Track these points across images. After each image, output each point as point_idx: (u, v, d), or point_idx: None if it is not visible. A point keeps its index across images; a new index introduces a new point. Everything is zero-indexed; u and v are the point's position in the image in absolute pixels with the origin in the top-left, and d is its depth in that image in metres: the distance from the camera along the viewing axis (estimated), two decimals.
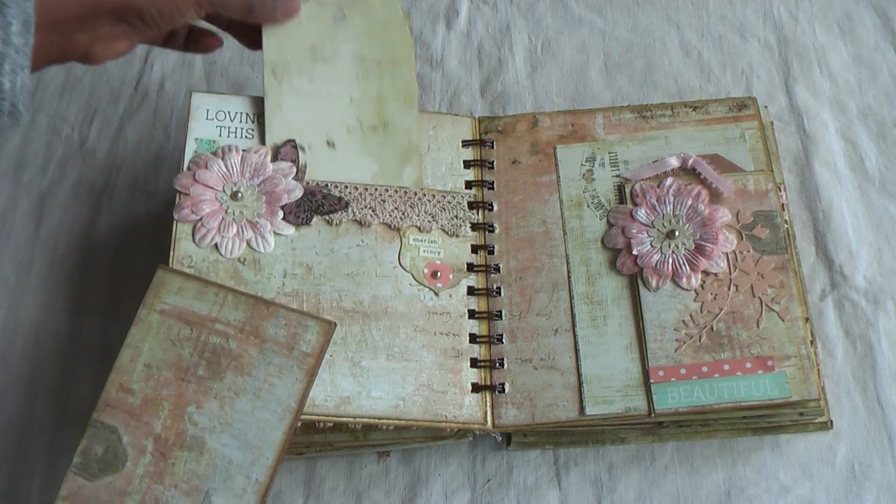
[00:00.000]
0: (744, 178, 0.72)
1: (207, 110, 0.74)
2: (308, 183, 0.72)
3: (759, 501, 0.70)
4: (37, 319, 0.78)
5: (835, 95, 0.86)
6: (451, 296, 0.71)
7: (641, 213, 0.72)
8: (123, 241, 0.82)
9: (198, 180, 0.71)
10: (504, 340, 0.71)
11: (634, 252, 0.71)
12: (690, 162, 0.73)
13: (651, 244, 0.71)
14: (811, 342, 0.68)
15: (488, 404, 0.69)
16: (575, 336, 0.70)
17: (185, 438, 0.62)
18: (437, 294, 0.71)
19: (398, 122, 0.75)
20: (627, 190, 0.73)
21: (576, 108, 0.82)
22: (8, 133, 0.62)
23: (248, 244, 0.70)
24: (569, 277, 0.72)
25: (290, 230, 0.71)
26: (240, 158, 0.72)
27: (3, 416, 0.75)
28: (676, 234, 0.71)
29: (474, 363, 0.70)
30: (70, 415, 0.75)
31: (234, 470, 0.61)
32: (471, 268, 0.73)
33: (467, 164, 0.76)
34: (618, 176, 0.74)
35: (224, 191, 0.71)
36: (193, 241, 0.70)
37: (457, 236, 0.73)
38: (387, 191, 0.73)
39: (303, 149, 0.73)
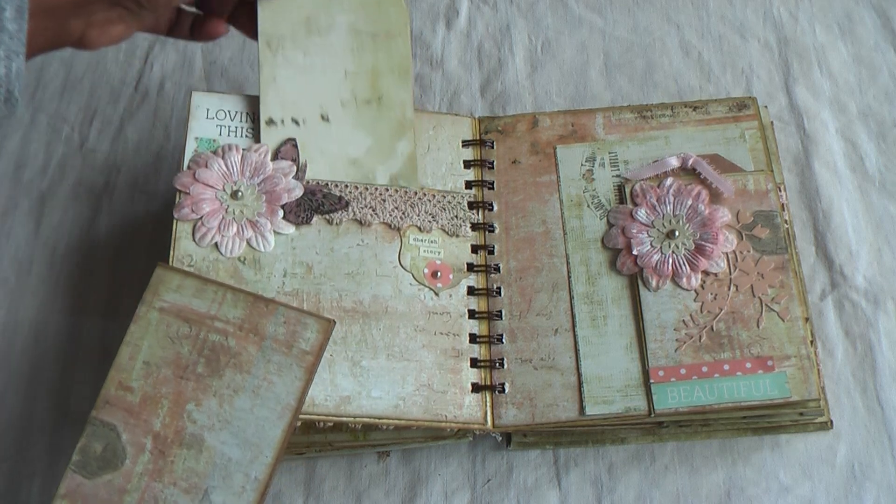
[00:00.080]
0: (744, 178, 0.72)
1: (207, 109, 0.74)
2: (308, 182, 0.72)
3: (759, 501, 0.70)
4: (37, 319, 0.78)
5: (835, 95, 0.86)
6: (451, 296, 0.71)
7: (641, 213, 0.72)
8: (123, 241, 0.82)
9: (198, 179, 0.71)
10: (504, 340, 0.71)
11: (634, 252, 0.71)
12: (690, 162, 0.73)
13: (651, 244, 0.71)
14: (811, 342, 0.68)
15: (488, 404, 0.69)
16: (575, 336, 0.70)
17: (184, 436, 0.62)
18: (437, 294, 0.71)
19: (393, 96, 0.75)
20: (627, 190, 0.73)
21: (576, 108, 0.82)
22: (5, 121, 0.62)
23: (249, 243, 0.70)
24: (569, 277, 0.72)
25: (290, 229, 0.71)
26: (240, 157, 0.72)
27: (3, 416, 0.75)
28: (676, 234, 0.71)
29: (474, 363, 0.70)
30: (70, 415, 0.75)
31: (233, 468, 0.61)
32: (471, 268, 0.73)
33: (467, 164, 0.76)
34: (618, 176, 0.74)
35: (224, 190, 0.71)
36: (193, 240, 0.70)
37: (457, 236, 0.73)
38: (387, 190, 0.73)
39: (297, 122, 0.73)
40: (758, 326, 0.68)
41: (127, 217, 0.83)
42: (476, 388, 0.69)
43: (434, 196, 0.74)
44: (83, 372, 0.76)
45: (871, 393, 0.73)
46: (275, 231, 0.71)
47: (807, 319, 0.68)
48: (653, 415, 0.66)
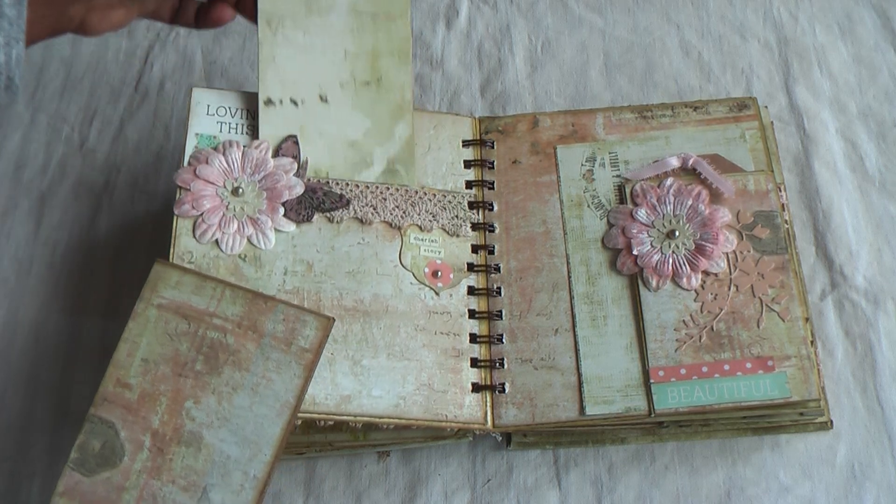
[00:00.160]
0: (744, 179, 0.72)
1: (208, 105, 0.74)
2: (309, 180, 0.72)
3: (759, 501, 0.70)
4: (37, 319, 0.78)
5: (835, 95, 0.86)
6: (451, 295, 0.71)
7: (642, 213, 0.72)
8: (123, 241, 0.82)
9: (198, 176, 0.71)
10: (504, 340, 0.71)
11: (635, 252, 0.71)
12: (691, 162, 0.73)
13: (651, 244, 0.71)
14: (811, 342, 0.68)
15: (488, 404, 0.69)
16: (575, 336, 0.70)
17: (183, 434, 0.62)
18: (437, 293, 0.71)
19: (392, 78, 0.74)
20: (628, 190, 0.73)
21: (576, 108, 0.82)
22: (6, 110, 0.62)
23: (249, 240, 0.70)
24: (569, 277, 0.72)
25: (290, 227, 0.71)
26: (240, 154, 0.72)
27: (3, 416, 0.75)
28: (677, 234, 0.71)
29: (474, 363, 0.70)
30: (70, 415, 0.75)
31: (231, 466, 0.61)
32: (471, 267, 0.73)
33: (468, 164, 0.76)
34: (618, 176, 0.74)
35: (225, 186, 0.71)
36: (194, 236, 0.70)
37: (457, 236, 0.73)
38: (388, 189, 0.73)
39: (295, 103, 0.73)
40: (758, 326, 0.68)
41: (127, 217, 0.83)
42: (476, 387, 0.69)
43: (435, 195, 0.74)
44: (83, 372, 0.76)
45: (871, 393, 0.73)
46: (275, 229, 0.71)
47: (807, 319, 0.68)
48: (653, 415, 0.66)
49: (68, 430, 0.74)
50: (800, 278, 0.71)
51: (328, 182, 0.72)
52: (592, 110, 0.78)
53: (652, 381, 0.67)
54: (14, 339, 0.78)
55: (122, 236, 0.82)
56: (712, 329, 0.68)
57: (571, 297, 0.71)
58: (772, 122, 0.80)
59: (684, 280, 0.70)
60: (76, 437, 0.73)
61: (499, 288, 0.72)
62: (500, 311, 0.72)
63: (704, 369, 0.67)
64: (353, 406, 0.66)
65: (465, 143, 0.77)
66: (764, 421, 0.70)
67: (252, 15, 0.74)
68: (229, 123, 0.73)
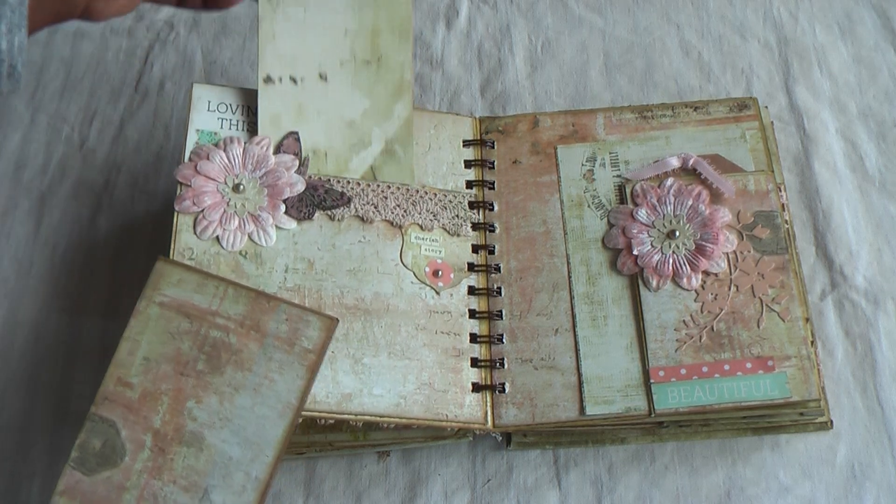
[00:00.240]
0: (744, 179, 0.72)
1: (209, 102, 0.74)
2: (310, 177, 0.72)
3: (759, 501, 0.70)
4: (37, 319, 0.78)
5: (835, 95, 0.86)
6: (451, 295, 0.71)
7: (642, 214, 0.72)
8: (123, 241, 0.82)
9: (199, 172, 0.71)
10: (504, 340, 0.71)
11: (635, 252, 0.71)
12: (691, 162, 0.73)
13: (651, 244, 0.71)
14: (811, 342, 0.68)
15: (489, 404, 0.69)
16: (575, 336, 0.70)
17: (185, 434, 0.61)
18: (438, 293, 0.71)
19: (392, 57, 0.74)
20: (628, 190, 0.73)
21: (576, 108, 0.82)
22: (8, 97, 0.61)
23: (250, 237, 0.70)
24: (569, 277, 0.72)
25: (292, 224, 0.71)
26: (241, 150, 0.72)
27: (3, 416, 0.75)
28: (677, 234, 0.71)
29: (475, 363, 0.70)
30: (70, 415, 0.75)
31: (233, 466, 0.61)
32: (471, 267, 0.73)
33: (468, 164, 0.76)
34: (618, 176, 0.74)
35: (226, 183, 0.71)
36: (195, 233, 0.70)
37: (458, 235, 0.73)
38: (388, 188, 0.73)
39: (294, 81, 0.72)
40: (758, 326, 0.68)
41: (127, 217, 0.83)
42: (476, 387, 0.69)
43: (435, 195, 0.74)
44: (83, 372, 0.76)
45: (871, 393, 0.73)
46: (276, 226, 0.71)
47: (807, 320, 0.68)
48: (653, 415, 0.66)
49: (68, 430, 0.74)
50: (800, 278, 0.71)
51: (329, 180, 0.72)
52: (593, 110, 0.78)
53: (652, 381, 0.67)
54: (14, 339, 0.78)
55: (122, 236, 0.82)
56: (712, 329, 0.68)
57: (572, 297, 0.71)
58: (772, 122, 0.80)
59: (684, 280, 0.70)
60: (76, 436, 0.73)
61: (499, 288, 0.72)
62: (501, 311, 0.72)
63: (705, 369, 0.67)
64: (354, 405, 0.66)
65: (466, 143, 0.77)
66: (764, 421, 0.70)
67: None
68: (230, 120, 0.73)
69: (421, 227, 0.73)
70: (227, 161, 0.71)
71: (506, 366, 0.70)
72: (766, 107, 0.80)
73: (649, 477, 0.71)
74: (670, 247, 0.71)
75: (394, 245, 0.72)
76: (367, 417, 0.66)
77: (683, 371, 0.67)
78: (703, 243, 0.70)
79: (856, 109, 0.85)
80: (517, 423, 0.68)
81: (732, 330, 0.68)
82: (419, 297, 0.70)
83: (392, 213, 0.72)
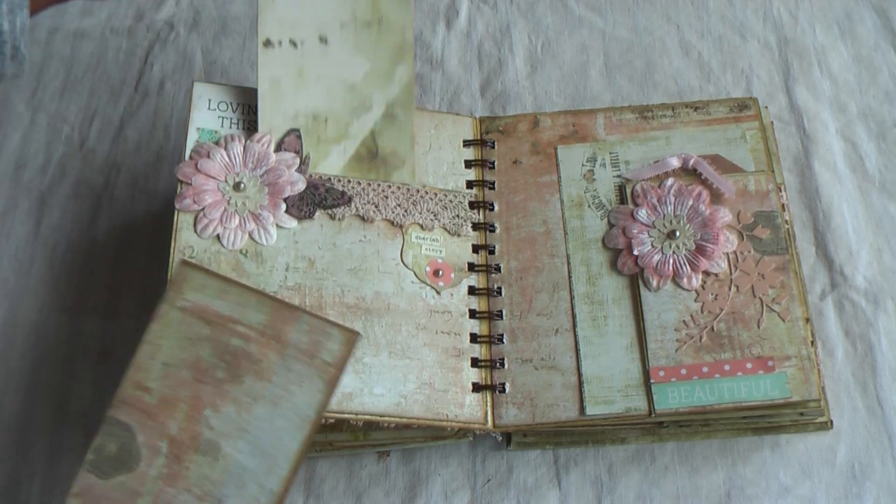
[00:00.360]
0: (745, 179, 0.72)
1: (209, 100, 0.74)
2: (311, 176, 0.72)
3: (759, 501, 0.70)
4: (37, 319, 0.78)
5: (835, 95, 0.86)
6: (452, 295, 0.71)
7: (642, 214, 0.72)
8: (123, 241, 0.82)
9: (200, 170, 0.71)
10: (505, 340, 0.71)
11: (635, 252, 0.71)
12: (691, 162, 0.73)
13: (652, 244, 0.71)
14: (811, 342, 0.68)
15: (489, 404, 0.69)
16: (575, 336, 0.70)
17: (201, 442, 0.60)
18: (438, 293, 0.71)
19: (393, 18, 0.73)
20: (628, 190, 0.73)
21: (576, 108, 0.82)
22: (15, 80, 0.60)
23: (251, 236, 0.70)
24: (569, 277, 0.72)
25: (292, 223, 0.71)
26: (242, 148, 0.72)
27: (3, 416, 0.75)
28: (677, 234, 0.71)
29: (475, 363, 0.70)
30: (70, 415, 0.75)
31: (247, 478, 0.60)
32: (472, 267, 0.73)
33: (468, 164, 0.76)
34: (619, 176, 0.74)
35: (227, 181, 0.71)
36: (195, 231, 0.70)
37: (458, 235, 0.73)
38: (389, 187, 0.73)
39: (294, 44, 0.72)
40: (758, 327, 0.68)
41: (127, 217, 0.83)
42: (477, 387, 0.69)
43: (436, 194, 0.74)
44: (83, 372, 0.76)
45: (871, 393, 0.73)
46: (277, 224, 0.70)
47: (807, 320, 0.68)
48: (653, 415, 0.66)
49: (68, 431, 0.74)
50: (800, 278, 0.71)
51: (330, 178, 0.72)
52: (593, 110, 0.78)
53: (652, 381, 0.67)
54: (14, 339, 0.78)
55: (122, 236, 0.82)
56: (713, 329, 0.68)
57: (572, 297, 0.71)
58: (772, 123, 0.80)
59: (685, 280, 0.70)
60: (76, 437, 0.74)
61: (499, 288, 0.72)
62: (501, 311, 0.72)
63: (705, 369, 0.67)
64: (355, 404, 0.66)
65: (466, 143, 0.77)
66: (764, 421, 0.70)
67: None
68: (231, 118, 0.73)
69: (421, 226, 0.73)
70: (227, 159, 0.71)
71: (506, 366, 0.70)
72: (767, 107, 0.80)
73: (649, 477, 0.71)
74: (670, 247, 0.71)
75: (394, 244, 0.72)
76: (367, 417, 0.66)
77: (684, 371, 0.67)
78: (704, 243, 0.70)
79: (856, 109, 0.85)
80: (517, 423, 0.68)
81: (733, 330, 0.68)
82: (420, 296, 0.70)
83: (393, 212, 0.72)
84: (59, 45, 0.91)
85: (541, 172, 0.76)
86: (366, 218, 0.72)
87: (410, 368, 0.68)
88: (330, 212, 0.71)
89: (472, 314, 0.71)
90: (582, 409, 0.68)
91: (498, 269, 0.73)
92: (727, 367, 0.67)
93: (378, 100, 0.73)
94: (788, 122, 0.85)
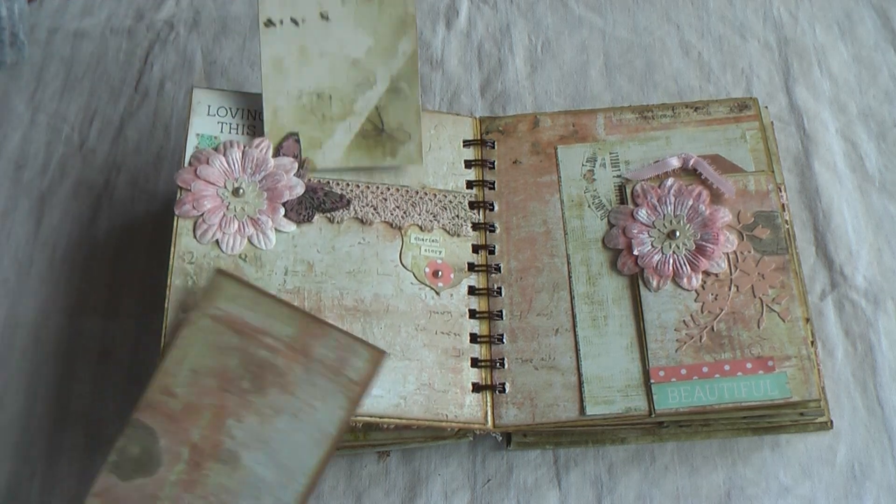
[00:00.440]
0: (745, 179, 0.72)
1: (209, 106, 0.74)
2: (310, 180, 0.72)
3: (759, 501, 0.70)
4: (37, 319, 0.78)
5: (835, 95, 0.86)
6: (451, 295, 0.71)
7: (642, 214, 0.72)
8: (123, 241, 0.82)
9: (199, 176, 0.71)
10: (505, 340, 0.71)
11: (635, 252, 0.71)
12: (691, 162, 0.73)
13: (652, 244, 0.71)
14: (811, 342, 0.68)
15: (489, 404, 0.69)
16: (575, 336, 0.70)
17: (221, 451, 0.60)
18: (438, 293, 0.71)
19: None
20: (628, 190, 0.73)
21: (576, 109, 0.82)
22: (16, 68, 0.60)
23: (250, 241, 0.70)
24: (569, 277, 0.72)
25: (291, 227, 0.71)
26: (241, 154, 0.72)
27: (3, 416, 0.75)
28: (677, 234, 0.71)
29: (475, 363, 0.70)
30: (70, 415, 0.75)
31: (264, 490, 0.59)
32: (472, 267, 0.73)
33: (468, 164, 0.76)
34: (619, 176, 0.74)
35: (226, 187, 0.71)
36: (194, 236, 0.70)
37: (458, 236, 0.73)
38: (388, 189, 0.73)
39: (296, 22, 0.71)
40: (758, 327, 0.68)
41: (127, 217, 0.83)
42: (477, 387, 0.69)
43: (435, 195, 0.74)
44: (83, 372, 0.76)
45: (871, 393, 0.73)
46: (276, 229, 0.71)
47: (807, 320, 0.68)
48: (653, 415, 0.66)
49: (68, 431, 0.74)
50: (800, 278, 0.71)
51: (328, 182, 0.72)
52: (593, 110, 0.78)
53: (652, 381, 0.67)
54: (14, 339, 0.78)
55: (122, 236, 0.82)
56: (713, 329, 0.68)
57: (572, 297, 0.71)
58: (772, 123, 0.80)
59: (685, 280, 0.70)
60: (76, 437, 0.74)
61: (499, 288, 0.72)
62: (501, 311, 0.72)
63: (705, 369, 0.67)
64: None
65: (466, 143, 0.77)
66: (764, 421, 0.70)
67: None
68: (230, 124, 0.73)
69: (421, 227, 0.73)
70: (226, 165, 0.72)
71: (506, 366, 0.70)
72: (767, 107, 0.80)
73: (649, 477, 0.71)
74: (670, 247, 0.71)
75: (393, 246, 0.72)
76: (366, 418, 0.66)
77: (684, 371, 0.67)
78: (704, 243, 0.70)
79: (856, 109, 0.85)
80: (517, 423, 0.68)
81: (733, 330, 0.68)
82: (419, 297, 0.70)
83: (391, 214, 0.72)
84: (59, 45, 0.91)
85: (541, 172, 0.76)
86: (364, 220, 0.72)
87: (410, 369, 0.68)
88: (329, 215, 0.71)
89: (472, 314, 0.71)
90: (582, 409, 0.68)
91: (498, 269, 0.73)
92: (727, 367, 0.67)
93: (382, 74, 0.72)
94: (788, 122, 0.85)
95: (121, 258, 0.81)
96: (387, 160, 0.73)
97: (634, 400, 0.67)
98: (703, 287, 0.69)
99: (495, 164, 0.76)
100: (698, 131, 0.75)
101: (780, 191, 0.73)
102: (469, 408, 0.68)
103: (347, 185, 0.73)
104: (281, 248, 0.70)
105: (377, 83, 0.72)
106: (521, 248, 0.73)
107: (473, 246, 0.73)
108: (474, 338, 0.71)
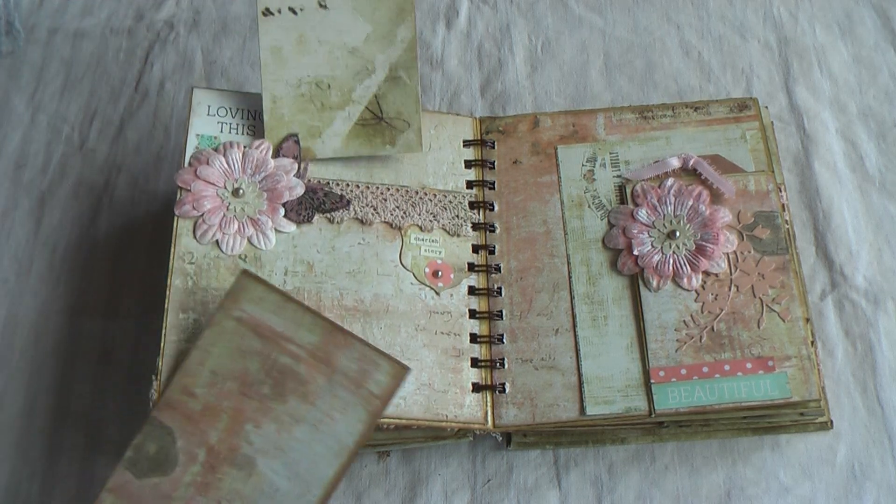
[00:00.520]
0: (745, 179, 0.72)
1: (209, 106, 0.74)
2: (310, 180, 0.72)
3: (759, 501, 0.70)
4: (37, 319, 0.78)
5: (835, 95, 0.86)
6: (451, 295, 0.71)
7: (642, 214, 0.72)
8: (123, 241, 0.82)
9: (199, 176, 0.71)
10: (505, 340, 0.71)
11: (635, 252, 0.71)
12: (691, 162, 0.73)
13: (652, 244, 0.71)
14: (811, 342, 0.68)
15: (489, 404, 0.69)
16: (576, 336, 0.70)
17: (238, 456, 0.60)
18: (438, 293, 0.71)
19: None
20: (628, 190, 0.73)
21: (576, 109, 0.82)
22: (12, 57, 0.59)
23: (250, 241, 0.70)
24: (569, 277, 0.72)
25: (291, 227, 0.71)
26: (241, 154, 0.72)
27: (3, 416, 0.75)
28: (677, 234, 0.71)
29: (475, 363, 0.70)
30: (70, 415, 0.75)
31: (278, 499, 0.59)
32: (472, 267, 0.73)
33: (468, 164, 0.76)
34: (619, 176, 0.74)
35: (225, 187, 0.71)
36: (194, 237, 0.70)
37: (458, 236, 0.73)
38: (388, 189, 0.73)
39: (294, 11, 0.71)
40: (758, 327, 0.68)
41: (127, 217, 0.83)
42: (477, 387, 0.69)
43: (435, 195, 0.74)
44: (83, 372, 0.76)
45: (871, 393, 0.73)
46: (276, 229, 0.71)
47: (807, 320, 0.68)
48: (653, 415, 0.66)
49: (68, 431, 0.74)
50: (800, 278, 0.71)
51: (328, 182, 0.72)
52: (593, 110, 0.78)
53: (652, 381, 0.67)
54: (14, 339, 0.78)
55: (122, 236, 0.82)
56: (713, 329, 0.68)
57: (572, 298, 0.71)
58: (772, 123, 0.80)
59: (685, 280, 0.70)
60: (76, 438, 0.74)
61: (499, 288, 0.72)
62: (501, 311, 0.72)
63: (705, 369, 0.67)
64: None
65: (466, 143, 0.77)
66: (764, 421, 0.70)
67: None
68: (230, 124, 0.73)
69: (420, 227, 0.73)
70: (226, 165, 0.72)
71: (506, 366, 0.70)
72: (767, 107, 0.80)
73: (649, 477, 0.71)
74: (671, 247, 0.71)
75: (393, 246, 0.72)
76: None
77: (684, 371, 0.67)
78: (704, 243, 0.70)
79: (856, 109, 0.85)
80: (517, 423, 0.68)
81: (733, 330, 0.68)
82: (419, 297, 0.70)
83: (391, 214, 0.72)
84: (59, 45, 0.91)
85: (541, 172, 0.76)
86: (364, 221, 0.72)
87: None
88: (328, 215, 0.71)
89: (472, 314, 0.71)
90: (582, 409, 0.68)
91: (498, 269, 0.73)
92: (727, 367, 0.67)
93: (381, 62, 0.72)
94: (788, 122, 0.85)
95: (121, 258, 0.81)
96: (386, 148, 0.73)
97: (634, 400, 0.67)
98: (703, 287, 0.69)
99: (495, 164, 0.76)
100: (698, 131, 0.75)
101: (780, 191, 0.73)
102: (469, 408, 0.68)
103: (347, 185, 0.73)
104: (281, 248, 0.70)
105: (376, 71, 0.72)
106: (521, 248, 0.73)
107: (473, 246, 0.73)
108: (474, 338, 0.71)
